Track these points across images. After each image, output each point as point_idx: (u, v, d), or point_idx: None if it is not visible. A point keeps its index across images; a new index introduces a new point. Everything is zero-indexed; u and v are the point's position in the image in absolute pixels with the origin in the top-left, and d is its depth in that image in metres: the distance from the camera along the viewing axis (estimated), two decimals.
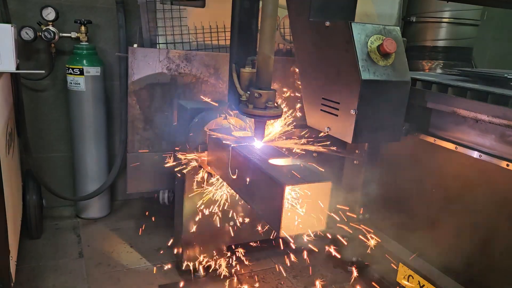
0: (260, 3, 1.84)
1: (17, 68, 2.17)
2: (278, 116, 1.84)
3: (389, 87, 1.82)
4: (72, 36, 3.10)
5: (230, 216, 2.63)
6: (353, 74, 1.77)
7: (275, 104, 1.83)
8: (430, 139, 2.23)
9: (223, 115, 2.24)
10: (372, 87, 1.77)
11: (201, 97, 2.54)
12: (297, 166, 1.70)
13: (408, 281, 2.35)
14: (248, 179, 1.75)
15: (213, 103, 2.39)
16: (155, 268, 2.80)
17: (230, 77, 2.05)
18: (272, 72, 1.81)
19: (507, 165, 1.82)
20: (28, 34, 2.94)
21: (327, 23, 1.88)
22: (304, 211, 1.63)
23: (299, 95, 2.22)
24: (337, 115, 1.90)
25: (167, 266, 2.81)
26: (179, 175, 2.43)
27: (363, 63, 1.75)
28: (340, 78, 1.85)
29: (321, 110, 2.00)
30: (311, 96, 2.08)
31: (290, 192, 1.55)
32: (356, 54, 1.75)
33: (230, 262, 2.82)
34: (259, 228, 2.78)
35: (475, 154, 1.98)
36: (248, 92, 1.86)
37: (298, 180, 1.55)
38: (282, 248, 2.50)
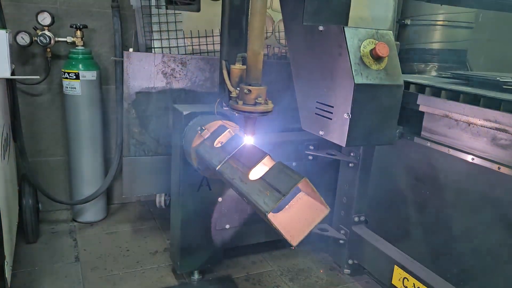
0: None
1: (13, 73, 2.18)
2: (268, 112, 1.85)
3: (382, 91, 1.83)
4: (68, 41, 3.11)
5: (226, 219, 2.65)
6: (346, 78, 1.78)
7: (265, 100, 1.83)
8: (423, 142, 2.24)
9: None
10: (365, 91, 1.78)
11: None
12: (272, 173, 1.67)
13: (403, 283, 2.37)
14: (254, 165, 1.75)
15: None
16: (151, 271, 2.80)
17: (221, 74, 2.05)
18: (261, 69, 1.82)
19: (499, 168, 1.84)
20: (23, 39, 2.94)
21: (321, 28, 1.90)
22: (301, 210, 1.64)
23: None
24: (331, 119, 1.91)
25: (163, 270, 2.82)
26: None
27: (356, 67, 1.77)
28: (334, 82, 1.87)
29: (315, 113, 2.01)
30: (305, 100, 2.09)
31: (275, 216, 1.56)
32: (349, 58, 1.76)
33: (226, 265, 2.83)
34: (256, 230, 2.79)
35: (468, 157, 2.00)
36: (238, 89, 1.86)
37: (277, 197, 1.54)
38: (278, 251, 2.51)
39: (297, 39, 2.10)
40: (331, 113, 1.90)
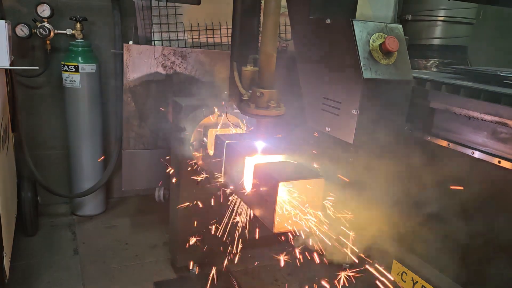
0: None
1: (12, 65, 2.17)
2: (281, 116, 1.81)
3: (391, 86, 1.79)
4: (68, 33, 3.10)
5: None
6: (354, 73, 1.73)
7: (278, 103, 1.80)
8: (422, 136, 2.23)
9: (218, 112, 2.24)
10: (374, 86, 1.73)
11: None
12: (290, 163, 1.71)
13: (401, 277, 2.37)
14: (242, 176, 1.75)
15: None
16: (150, 265, 2.80)
17: (231, 75, 2.01)
18: (274, 71, 1.78)
19: (499, 161, 1.83)
20: (23, 30, 2.93)
21: (328, 21, 1.84)
22: (297, 207, 1.64)
23: None
24: (338, 115, 1.86)
25: (162, 263, 2.82)
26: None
27: (364, 61, 1.71)
28: (341, 77, 1.82)
29: (321, 109, 1.97)
30: (311, 95, 2.04)
31: (283, 188, 1.55)
32: (358, 53, 1.71)
33: (225, 259, 2.83)
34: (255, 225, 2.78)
35: (467, 151, 1.99)
36: (250, 91, 1.82)
37: (291, 176, 1.56)
38: (277, 245, 2.50)
39: (303, 33, 2.04)
40: (338, 109, 1.85)
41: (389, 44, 1.72)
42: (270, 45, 1.71)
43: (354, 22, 1.73)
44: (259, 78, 1.78)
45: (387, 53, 1.75)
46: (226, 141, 1.89)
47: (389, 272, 2.44)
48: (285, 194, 1.61)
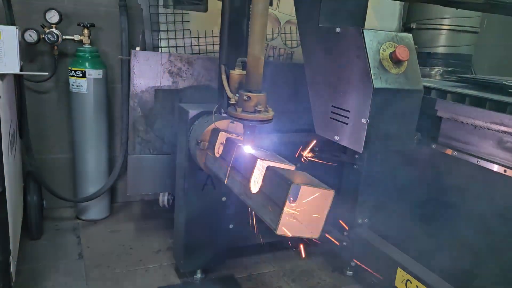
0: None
1: (21, 70, 2.19)
2: (268, 121, 1.78)
3: (401, 96, 1.79)
4: (75, 39, 3.13)
5: (230, 218, 2.65)
6: (364, 82, 1.74)
7: (265, 108, 1.75)
8: (429, 144, 2.25)
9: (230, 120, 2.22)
10: (384, 95, 1.74)
11: None
12: (302, 172, 1.69)
13: (406, 285, 2.36)
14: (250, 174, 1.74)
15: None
16: (154, 270, 2.81)
17: (219, 79, 2.00)
18: (262, 74, 1.74)
19: (505, 171, 1.84)
20: (31, 36, 2.96)
21: (338, 29, 1.86)
22: (303, 215, 1.64)
23: None
24: (347, 124, 1.87)
25: (166, 268, 2.82)
26: None
27: (375, 70, 1.72)
28: (351, 86, 1.82)
29: (330, 118, 1.97)
30: (320, 104, 2.05)
31: (293, 192, 1.55)
32: (368, 62, 1.72)
33: (229, 265, 2.83)
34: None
35: (473, 160, 2.00)
36: (237, 95, 1.79)
37: (303, 181, 1.55)
38: (281, 251, 2.51)
39: (312, 41, 2.05)
40: (348, 117, 1.85)
41: (399, 53, 1.72)
42: (257, 48, 1.66)
43: (365, 31, 1.73)
44: (246, 81, 1.74)
45: (397, 62, 1.75)
46: (238, 143, 1.88)
47: (394, 280, 2.44)
48: (292, 198, 1.62)
